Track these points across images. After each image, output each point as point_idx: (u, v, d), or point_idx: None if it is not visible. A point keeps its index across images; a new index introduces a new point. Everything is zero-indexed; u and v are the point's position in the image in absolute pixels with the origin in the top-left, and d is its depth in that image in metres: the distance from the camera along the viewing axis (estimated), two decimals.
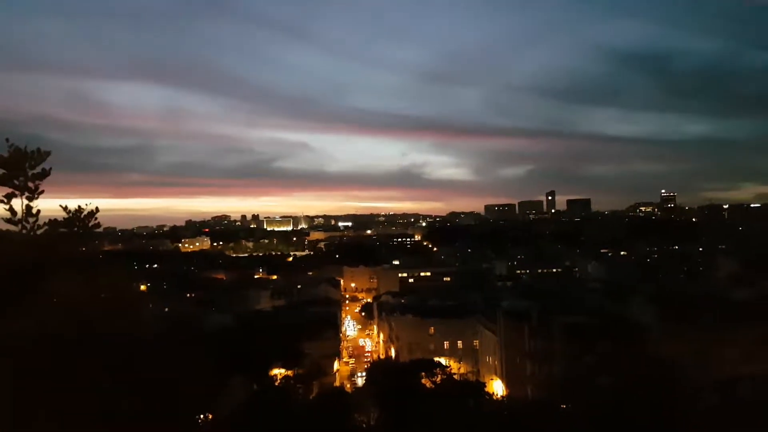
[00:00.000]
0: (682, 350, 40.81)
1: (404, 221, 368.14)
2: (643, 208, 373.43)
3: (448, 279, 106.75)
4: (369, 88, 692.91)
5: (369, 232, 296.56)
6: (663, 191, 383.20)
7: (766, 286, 71.91)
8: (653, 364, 40.39)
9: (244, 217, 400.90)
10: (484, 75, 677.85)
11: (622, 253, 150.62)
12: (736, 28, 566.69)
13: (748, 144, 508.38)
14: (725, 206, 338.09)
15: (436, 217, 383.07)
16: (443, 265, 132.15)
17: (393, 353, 62.13)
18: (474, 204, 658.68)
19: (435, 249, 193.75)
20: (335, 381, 57.11)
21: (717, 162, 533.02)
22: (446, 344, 60.14)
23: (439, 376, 39.41)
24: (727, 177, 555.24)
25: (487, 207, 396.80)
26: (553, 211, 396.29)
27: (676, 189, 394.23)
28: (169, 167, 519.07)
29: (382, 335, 71.91)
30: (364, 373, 51.95)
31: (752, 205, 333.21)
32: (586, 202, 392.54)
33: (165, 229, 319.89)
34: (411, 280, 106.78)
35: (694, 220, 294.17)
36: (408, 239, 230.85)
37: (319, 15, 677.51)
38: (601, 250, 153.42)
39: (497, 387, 48.78)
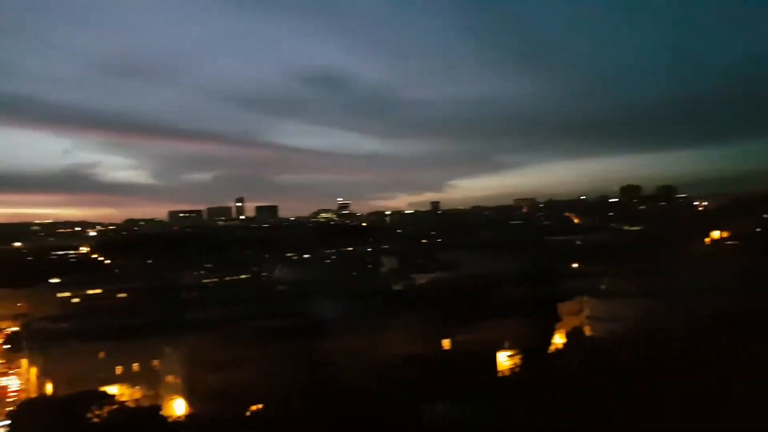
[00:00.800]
0: (356, 337, 46.14)
1: (68, 231, 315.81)
2: (323, 215, 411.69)
3: (125, 295, 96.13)
4: (29, 74, 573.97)
5: (18, 244, 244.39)
6: (339, 199, 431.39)
7: (417, 277, 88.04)
8: (332, 354, 44.43)
9: None
10: (170, 75, 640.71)
11: (306, 256, 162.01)
12: (397, 61, 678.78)
13: (405, 161, 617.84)
14: (387, 212, 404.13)
15: (110, 225, 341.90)
16: (119, 280, 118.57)
17: (50, 389, 52.42)
18: (156, 211, 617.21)
19: (108, 262, 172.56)
20: None
21: (382, 175, 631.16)
22: (119, 369, 53.77)
23: (106, 407, 34.86)
24: (389, 188, 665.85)
25: (171, 214, 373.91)
26: (242, 217, 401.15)
27: (351, 197, 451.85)
28: None
29: (34, 370, 59.83)
30: (7, 421, 42.09)
31: (406, 212, 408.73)
32: (274, 209, 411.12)
33: None
34: (76, 301, 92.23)
35: (364, 224, 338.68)
36: (72, 252, 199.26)
37: None
38: (288, 254, 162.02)
39: (178, 406, 46.01)
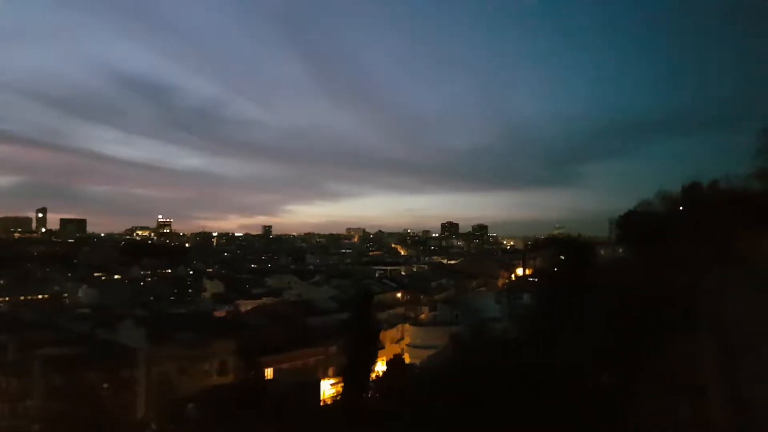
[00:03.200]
0: (165, 368, 43.36)
1: None
2: (140, 232, 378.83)
3: None
4: None
5: None
6: (160, 216, 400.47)
7: (242, 303, 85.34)
8: (132, 386, 41.18)
9: None
10: None
11: (116, 276, 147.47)
12: (229, 78, 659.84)
13: (236, 181, 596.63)
14: (215, 234, 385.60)
15: None
16: None
17: None
18: None
19: None
20: None
21: (208, 193, 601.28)
22: None
23: None
24: (216, 207, 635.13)
25: None
26: (44, 230, 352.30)
27: (172, 215, 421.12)
28: None
29: None
30: None
31: (236, 234, 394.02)
32: (82, 223, 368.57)
33: None
34: None
35: (187, 245, 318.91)
36: None
37: None
38: (96, 274, 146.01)
39: None
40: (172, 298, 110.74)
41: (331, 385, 49.47)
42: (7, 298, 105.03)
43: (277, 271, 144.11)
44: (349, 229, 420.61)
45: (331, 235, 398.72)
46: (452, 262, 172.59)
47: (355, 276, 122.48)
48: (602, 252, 53.74)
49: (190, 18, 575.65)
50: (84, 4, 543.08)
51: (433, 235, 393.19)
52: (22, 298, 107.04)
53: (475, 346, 32.82)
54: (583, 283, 29.11)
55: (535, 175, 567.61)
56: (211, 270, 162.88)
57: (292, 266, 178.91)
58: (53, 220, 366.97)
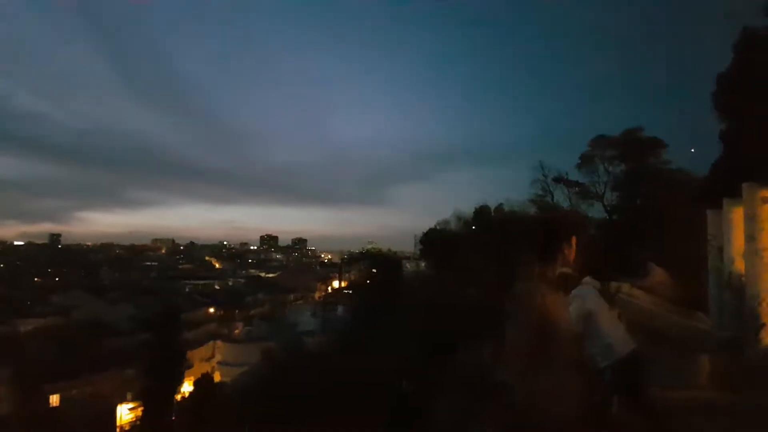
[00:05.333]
0: None
1: None
2: None
3: None
4: None
5: None
6: None
7: (21, 323, 73.27)
8: None
9: None
10: None
11: None
12: (13, 68, 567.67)
13: (14, 182, 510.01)
14: None
15: None
16: None
17: None
18: None
19: None
20: None
21: None
22: None
23: None
24: None
25: None
26: None
27: None
28: None
29: None
30: None
31: (16, 243, 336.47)
32: None
33: None
34: None
35: None
36: None
37: None
38: None
39: None
40: None
41: (129, 409, 45.23)
42: None
43: (65, 287, 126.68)
44: (155, 240, 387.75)
45: (133, 246, 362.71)
46: (271, 275, 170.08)
47: (160, 292, 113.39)
48: (408, 265, 58.03)
49: None
50: None
51: (252, 247, 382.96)
52: None
53: (287, 360, 32.85)
54: (391, 294, 31.18)
55: (350, 194, 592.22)
56: None
57: (85, 281, 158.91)
58: None
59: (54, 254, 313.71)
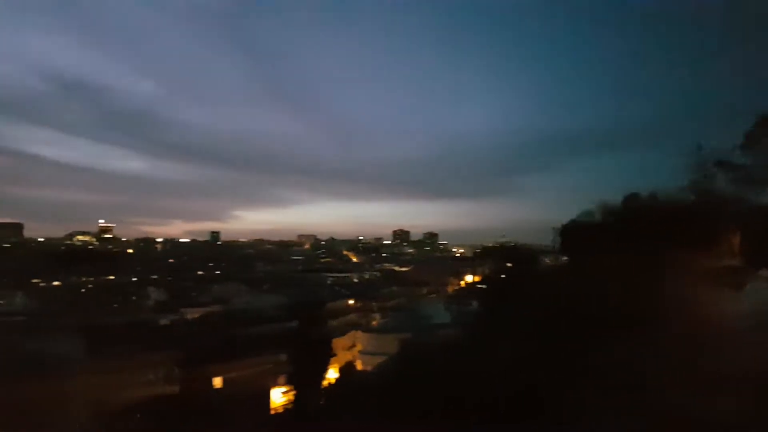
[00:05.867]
0: (102, 379, 41.61)
1: None
2: (80, 237, 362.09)
3: None
4: None
5: None
6: (101, 221, 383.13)
7: (188, 312, 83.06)
8: (68, 400, 39.34)
9: None
10: None
11: (55, 283, 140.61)
12: (173, 80, 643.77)
13: (179, 186, 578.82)
14: (159, 240, 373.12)
15: None
16: None
17: None
18: None
19: None
20: None
21: (151, 198, 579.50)
22: None
23: None
24: (161, 213, 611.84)
25: None
26: None
27: (113, 220, 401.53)
28: None
29: None
30: None
31: (182, 240, 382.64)
32: (18, 227, 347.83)
33: None
34: None
35: (130, 251, 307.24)
36: None
37: None
38: (33, 280, 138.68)
39: None
40: (114, 305, 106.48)
41: (282, 393, 49.00)
42: None
43: (224, 279, 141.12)
44: (300, 236, 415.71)
45: (282, 242, 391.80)
46: (403, 269, 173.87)
47: (305, 284, 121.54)
48: (545, 260, 55.70)
49: (126, 15, 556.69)
50: (11, 2, 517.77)
51: (385, 242, 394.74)
52: None
53: (422, 352, 33.37)
54: (526, 289, 30.18)
55: (477, 186, 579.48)
56: (155, 277, 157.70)
57: (241, 274, 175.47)
58: None
59: (214, 250, 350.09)
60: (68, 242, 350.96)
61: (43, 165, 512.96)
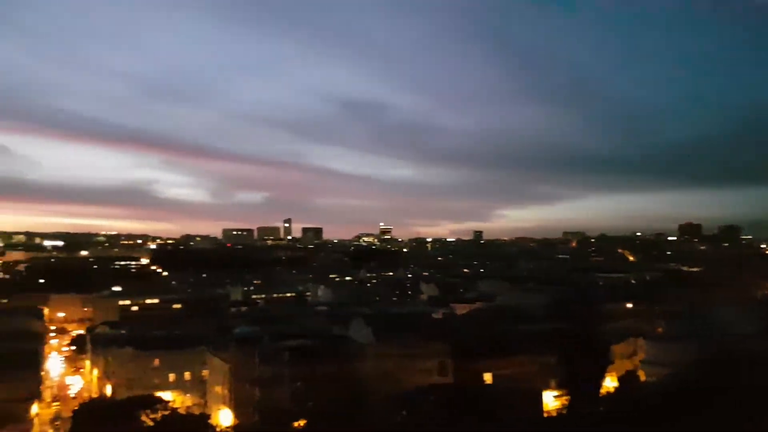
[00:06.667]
0: (389, 363, 46.33)
1: (130, 242, 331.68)
2: (365, 239, 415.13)
3: (179, 306, 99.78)
4: (84, 92, 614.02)
5: (85, 253, 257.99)
6: (381, 224, 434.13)
7: (456, 307, 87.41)
8: (363, 378, 44.81)
9: None
10: (213, 97, 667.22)
11: (347, 278, 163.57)
12: (433, 90, 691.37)
13: (444, 189, 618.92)
14: (429, 239, 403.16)
15: (168, 239, 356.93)
16: (174, 291, 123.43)
17: (109, 391, 55.03)
18: (211, 228, 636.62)
19: (165, 274, 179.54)
20: (33, 427, 48.44)
21: (421, 202, 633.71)
22: (172, 377, 55.91)
23: (160, 412, 36.42)
24: (429, 215, 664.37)
25: (225, 231, 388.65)
26: (289, 237, 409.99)
27: (391, 223, 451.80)
28: None
29: (96, 371, 62.94)
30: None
31: (448, 239, 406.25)
32: (318, 231, 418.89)
33: None
34: (134, 309, 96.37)
35: (405, 250, 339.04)
36: (133, 263, 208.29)
37: (26, 7, 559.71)
38: (330, 276, 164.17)
39: (225, 417, 47.29)
40: (393, 298, 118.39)
41: (554, 396, 47.35)
42: (262, 296, 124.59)
43: (488, 276, 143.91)
44: (565, 234, 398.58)
45: (545, 240, 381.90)
46: (693, 269, 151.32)
47: (574, 283, 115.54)
48: None
49: (397, 39, 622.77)
50: (303, 37, 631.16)
51: (669, 238, 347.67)
52: (274, 295, 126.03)
53: (722, 368, 28.14)
54: None
55: None
56: (426, 274, 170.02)
57: (504, 271, 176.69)
58: (296, 229, 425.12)
59: (477, 248, 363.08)
60: (356, 243, 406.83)
61: (334, 177, 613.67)
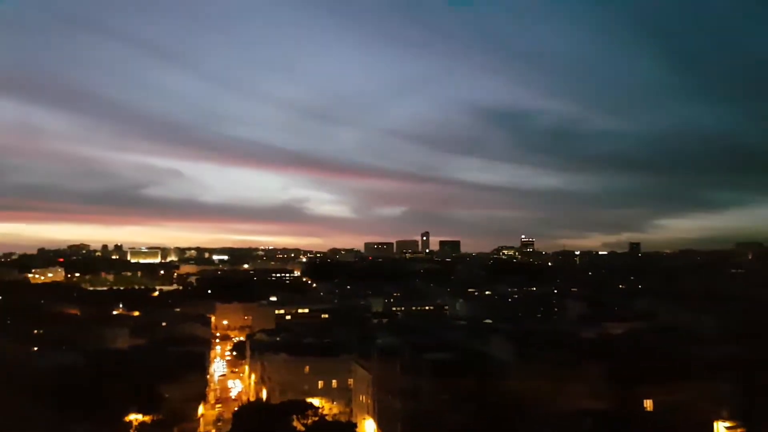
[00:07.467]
0: (534, 384, 44.19)
1: (284, 256, 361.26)
2: (505, 252, 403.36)
3: (326, 316, 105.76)
4: (247, 119, 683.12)
5: (246, 266, 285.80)
6: (523, 236, 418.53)
7: (609, 326, 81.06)
8: (507, 397, 43.19)
9: (105, 246, 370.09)
10: (359, 117, 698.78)
11: (487, 292, 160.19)
12: (582, 93, 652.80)
13: (594, 198, 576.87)
14: (576, 252, 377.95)
15: (317, 252, 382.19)
16: (321, 301, 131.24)
17: (264, 395, 59.70)
18: (354, 241, 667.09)
19: (314, 285, 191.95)
20: (199, 427, 53.70)
21: (568, 212, 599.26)
22: (320, 384, 59.08)
23: (311, 417, 38.57)
24: (578, 226, 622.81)
25: (366, 245, 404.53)
26: (427, 251, 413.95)
27: (534, 235, 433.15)
28: (20, 189, 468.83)
29: (253, 376, 68.80)
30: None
31: (600, 253, 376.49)
32: (456, 244, 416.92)
33: (13, 257, 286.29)
34: (288, 317, 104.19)
35: (549, 264, 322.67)
36: (287, 275, 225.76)
37: (198, 42, 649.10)
38: (469, 289, 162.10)
39: (369, 427, 48.68)
40: (538, 315, 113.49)
41: (726, 428, 41.71)
42: (402, 308, 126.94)
43: (647, 294, 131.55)
44: (739, 245, 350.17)
45: (714, 252, 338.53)
46: None
47: (752, 301, 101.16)
48: None
49: (540, 44, 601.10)
50: (446, 51, 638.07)
51: None
52: (413, 308, 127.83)
53: None
54: None
55: None
56: (574, 289, 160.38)
57: (666, 288, 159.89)
58: (434, 242, 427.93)
59: (634, 262, 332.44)
60: (495, 256, 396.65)
61: (473, 188, 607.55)
